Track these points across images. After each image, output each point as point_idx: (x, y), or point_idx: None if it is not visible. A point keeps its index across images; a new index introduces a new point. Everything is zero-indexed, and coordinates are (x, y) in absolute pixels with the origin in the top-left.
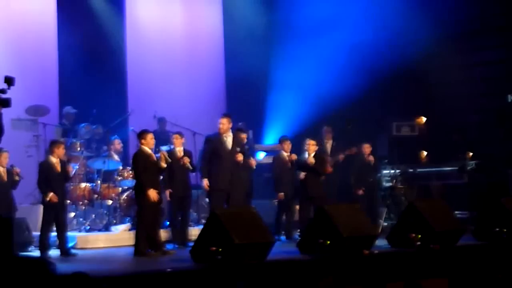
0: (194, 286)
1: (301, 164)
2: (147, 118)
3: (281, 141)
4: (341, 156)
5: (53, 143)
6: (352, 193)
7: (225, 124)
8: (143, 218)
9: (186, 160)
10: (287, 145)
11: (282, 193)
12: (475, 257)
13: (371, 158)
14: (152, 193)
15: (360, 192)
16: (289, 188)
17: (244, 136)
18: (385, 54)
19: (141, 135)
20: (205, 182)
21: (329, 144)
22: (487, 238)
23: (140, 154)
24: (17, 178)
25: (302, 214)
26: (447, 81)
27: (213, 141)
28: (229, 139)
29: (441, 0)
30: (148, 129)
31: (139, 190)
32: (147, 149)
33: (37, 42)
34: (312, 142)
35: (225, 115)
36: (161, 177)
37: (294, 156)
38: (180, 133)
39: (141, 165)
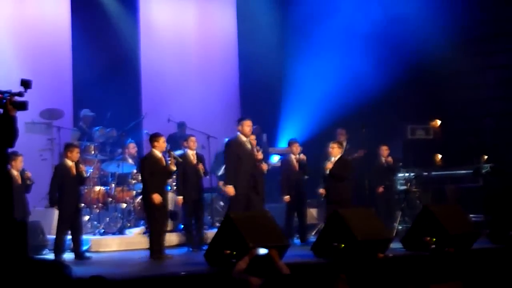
0: None
1: (323, 175)
2: (161, 121)
3: (289, 143)
4: None
5: (67, 147)
6: (366, 197)
7: (250, 126)
8: (155, 220)
9: (201, 166)
10: (296, 148)
11: (288, 196)
12: (490, 260)
13: (390, 159)
14: (157, 197)
15: (380, 189)
16: (297, 191)
17: (252, 137)
18: (400, 57)
19: (155, 138)
20: (229, 189)
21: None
22: (502, 242)
23: (149, 158)
24: (28, 182)
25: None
26: (462, 85)
27: (235, 145)
28: (248, 143)
29: (455, 4)
30: (160, 133)
31: (147, 194)
32: (158, 152)
33: (51, 45)
34: (335, 145)
35: (247, 118)
36: (175, 182)
37: (302, 157)
38: (194, 136)
39: (148, 169)
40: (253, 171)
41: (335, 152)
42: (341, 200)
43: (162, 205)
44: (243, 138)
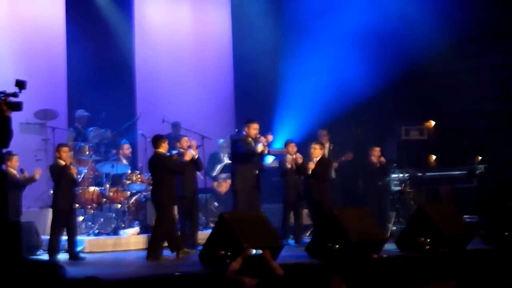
0: None
1: (300, 170)
2: (156, 122)
3: (286, 144)
4: (335, 164)
5: (58, 147)
6: (358, 198)
7: (256, 130)
8: (165, 221)
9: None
10: (292, 148)
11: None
12: (484, 261)
13: (382, 159)
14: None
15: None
16: (294, 191)
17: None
18: (394, 57)
19: (162, 139)
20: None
21: (326, 148)
22: (496, 242)
23: (160, 157)
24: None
25: (312, 218)
26: (456, 85)
27: (242, 142)
28: (252, 143)
29: (449, 5)
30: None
31: (159, 193)
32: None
33: (46, 46)
34: (317, 146)
35: (255, 121)
36: None
37: (299, 158)
38: (187, 137)
39: (174, 167)
40: (256, 170)
41: (317, 153)
42: (323, 200)
43: (173, 206)
44: (249, 139)
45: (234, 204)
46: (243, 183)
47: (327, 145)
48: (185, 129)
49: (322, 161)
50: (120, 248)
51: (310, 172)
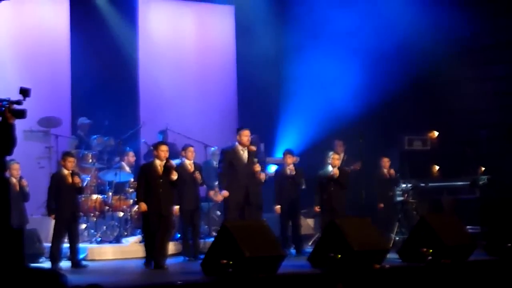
0: None
1: (324, 179)
2: (159, 130)
3: (284, 154)
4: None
5: (63, 155)
6: (363, 207)
7: (248, 136)
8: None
9: (198, 175)
10: (289, 159)
11: (278, 206)
12: (486, 272)
13: (392, 171)
14: (142, 205)
15: (381, 205)
16: (289, 202)
17: (252, 148)
18: (397, 68)
19: (154, 147)
20: (225, 193)
21: (340, 158)
22: (498, 253)
23: (146, 166)
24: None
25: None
26: (459, 95)
27: (230, 154)
28: (245, 153)
29: (453, 15)
30: (161, 141)
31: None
32: (157, 161)
33: (50, 53)
34: (337, 156)
35: (245, 128)
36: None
37: (292, 168)
38: (192, 146)
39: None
40: (247, 181)
41: (338, 162)
42: (340, 209)
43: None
44: (239, 148)
45: (224, 218)
46: (231, 196)
47: (341, 155)
48: (188, 138)
49: (343, 170)
50: (122, 256)
51: (336, 178)
